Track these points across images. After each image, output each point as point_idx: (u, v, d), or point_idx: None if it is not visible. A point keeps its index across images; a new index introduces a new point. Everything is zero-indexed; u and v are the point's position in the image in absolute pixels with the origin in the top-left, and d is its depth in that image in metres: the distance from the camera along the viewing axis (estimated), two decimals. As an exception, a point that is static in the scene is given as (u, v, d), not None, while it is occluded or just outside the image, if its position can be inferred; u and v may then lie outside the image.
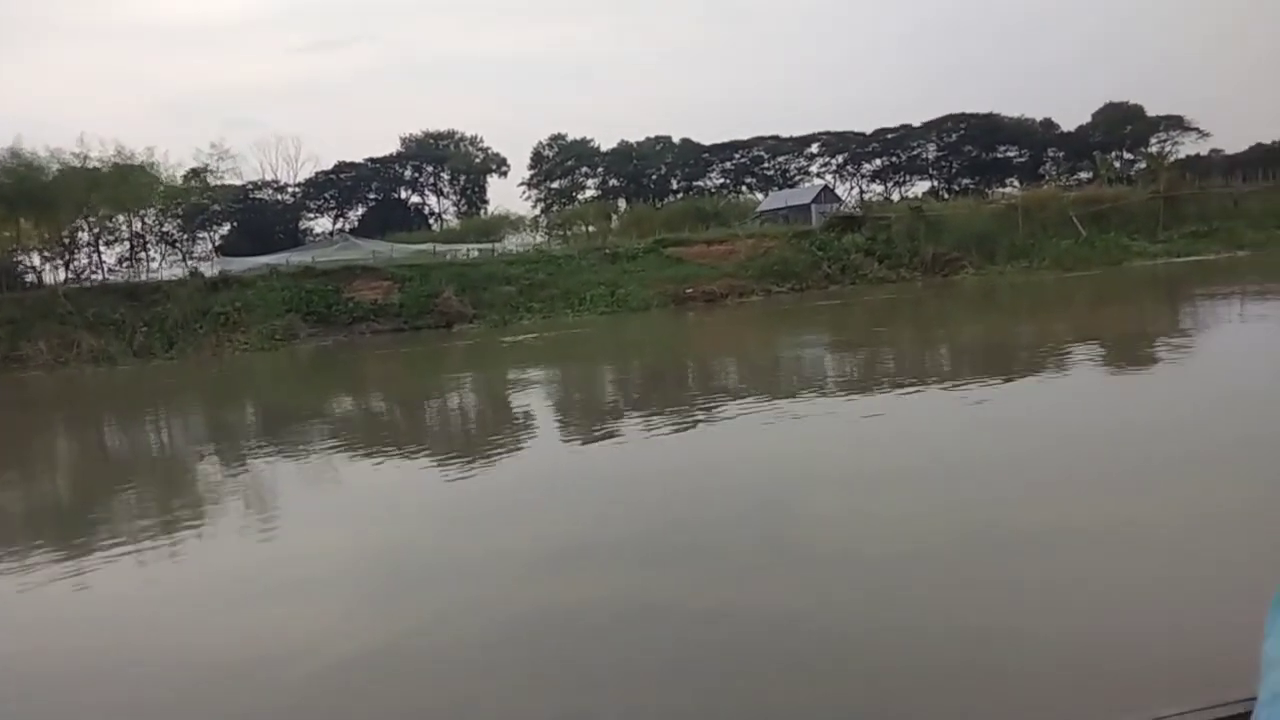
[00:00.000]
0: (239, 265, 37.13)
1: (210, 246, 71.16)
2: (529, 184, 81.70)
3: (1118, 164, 57.69)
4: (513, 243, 52.19)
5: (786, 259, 39.01)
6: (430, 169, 79.58)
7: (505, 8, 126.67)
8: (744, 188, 79.23)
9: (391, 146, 79.23)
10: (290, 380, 20.61)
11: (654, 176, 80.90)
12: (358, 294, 33.36)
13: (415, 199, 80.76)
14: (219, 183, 52.58)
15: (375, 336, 30.91)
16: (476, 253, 41.03)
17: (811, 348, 18.92)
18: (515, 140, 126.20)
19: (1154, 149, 60.18)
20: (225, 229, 71.86)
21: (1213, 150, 63.69)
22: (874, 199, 68.66)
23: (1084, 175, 63.83)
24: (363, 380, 19.67)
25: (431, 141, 79.94)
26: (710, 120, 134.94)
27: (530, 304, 34.38)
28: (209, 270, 35.79)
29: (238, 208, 71.33)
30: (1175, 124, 64.69)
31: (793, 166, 78.81)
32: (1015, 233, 39.96)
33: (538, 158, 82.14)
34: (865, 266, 38.83)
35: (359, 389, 18.03)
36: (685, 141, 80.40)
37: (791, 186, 73.16)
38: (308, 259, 37.38)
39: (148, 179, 47.73)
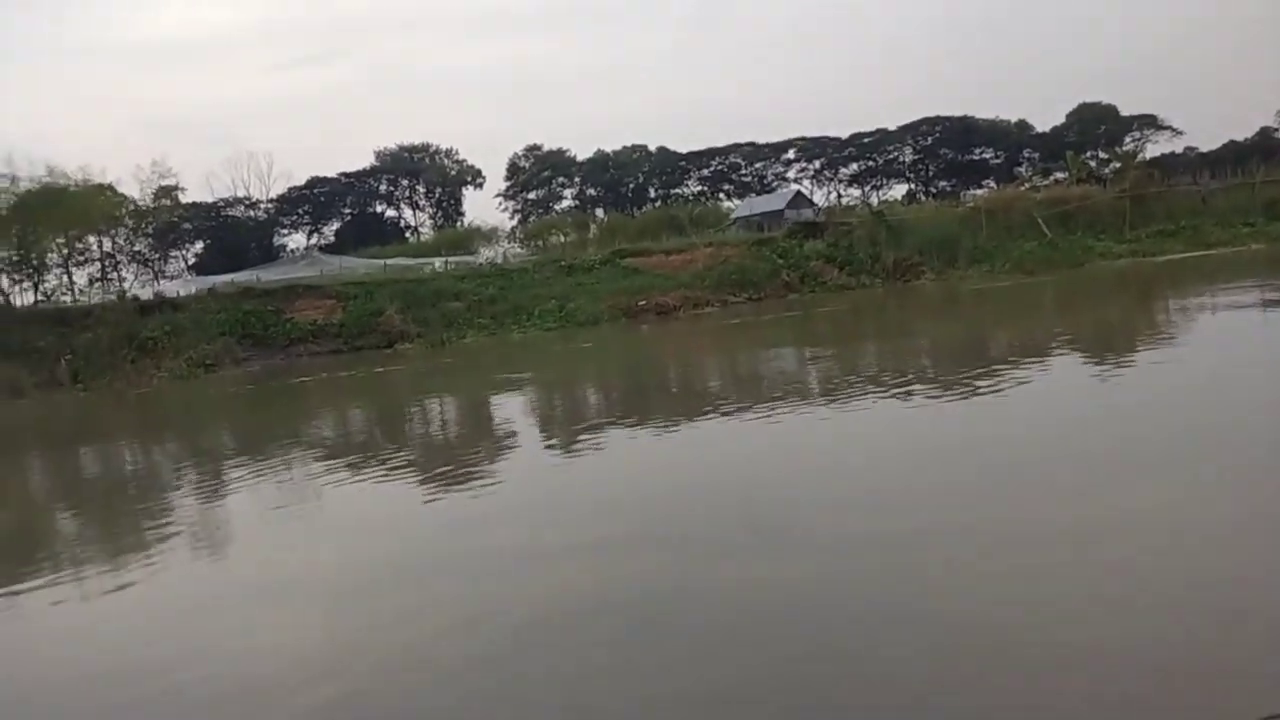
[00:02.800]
0: (180, 287, 36.40)
1: (184, 265, 70.94)
2: (505, 195, 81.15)
3: (1093, 163, 56.99)
4: (486, 255, 51.57)
5: (745, 268, 38.25)
6: (405, 182, 78.95)
7: (481, 22, 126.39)
8: (722, 194, 78.62)
9: (366, 161, 78.75)
10: (155, 420, 19.38)
11: (631, 185, 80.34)
12: (299, 314, 32.58)
13: (391, 213, 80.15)
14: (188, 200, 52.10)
15: (312, 359, 30.08)
16: (446, 266, 40.31)
17: (733, 363, 18.11)
18: (492, 152, 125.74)
19: (1128, 148, 59.44)
20: (199, 247, 71.49)
21: (1187, 148, 63.06)
22: (851, 203, 68.11)
23: (1060, 175, 63.14)
24: (230, 420, 18.76)
25: (406, 155, 79.36)
26: (688, 128, 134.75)
27: (478, 320, 33.59)
28: (148, 292, 34.95)
29: (210, 225, 70.89)
30: (1149, 123, 64.08)
31: (770, 173, 78.20)
32: (979, 236, 39.23)
33: (514, 169, 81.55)
34: (825, 274, 38.08)
35: (205, 436, 16.94)
36: (662, 150, 79.85)
37: (770, 192, 72.57)
38: (253, 278, 36.62)
39: (117, 198, 47.22)
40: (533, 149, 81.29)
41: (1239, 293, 19.48)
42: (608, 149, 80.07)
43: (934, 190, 70.88)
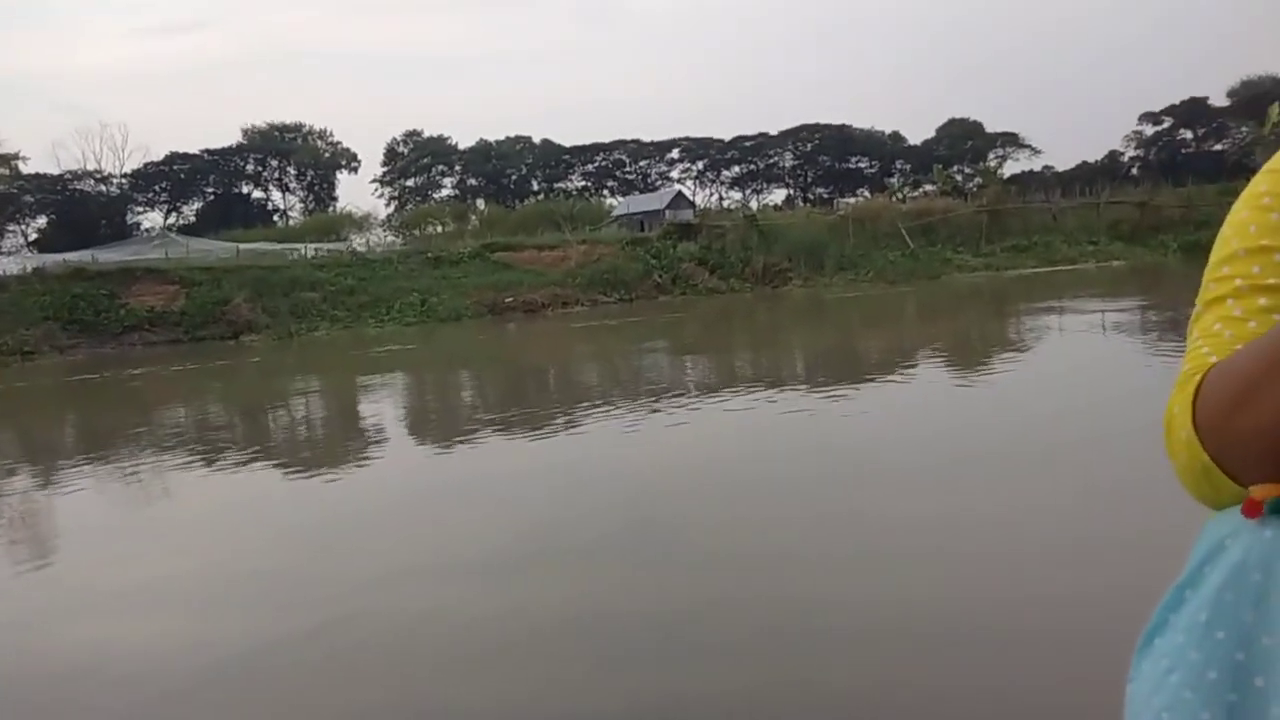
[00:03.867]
0: (10, 264, 33.35)
1: (22, 241, 65.51)
2: (382, 181, 78.42)
3: (959, 177, 59.37)
4: (357, 243, 49.46)
5: (618, 268, 37.87)
6: (275, 163, 75.12)
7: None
8: (606, 191, 78.23)
9: (233, 138, 74.60)
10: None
11: (514, 177, 78.97)
12: (136, 299, 30.25)
13: (258, 194, 76.22)
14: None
15: (147, 349, 27.94)
16: (313, 253, 38.30)
17: (574, 367, 17.63)
18: (370, 136, 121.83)
19: (991, 164, 62.20)
20: (41, 222, 66.19)
21: (1045, 166, 66.56)
22: (732, 206, 68.88)
23: (929, 187, 65.58)
24: None
25: (276, 134, 75.54)
26: (573, 121, 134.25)
27: (333, 312, 32.02)
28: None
29: (55, 199, 65.71)
30: (1011, 141, 67.33)
31: (654, 171, 78.34)
32: (846, 244, 40.09)
33: (392, 154, 78.93)
34: (697, 276, 38.11)
35: None
36: (546, 142, 78.81)
37: (654, 191, 72.61)
38: (88, 258, 33.90)
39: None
40: (412, 134, 78.90)
41: (1082, 306, 20.41)
42: (491, 139, 78.55)
43: (811, 196, 72.43)
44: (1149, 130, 67.24)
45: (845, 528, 5.67)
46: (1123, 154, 67.74)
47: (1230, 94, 61.56)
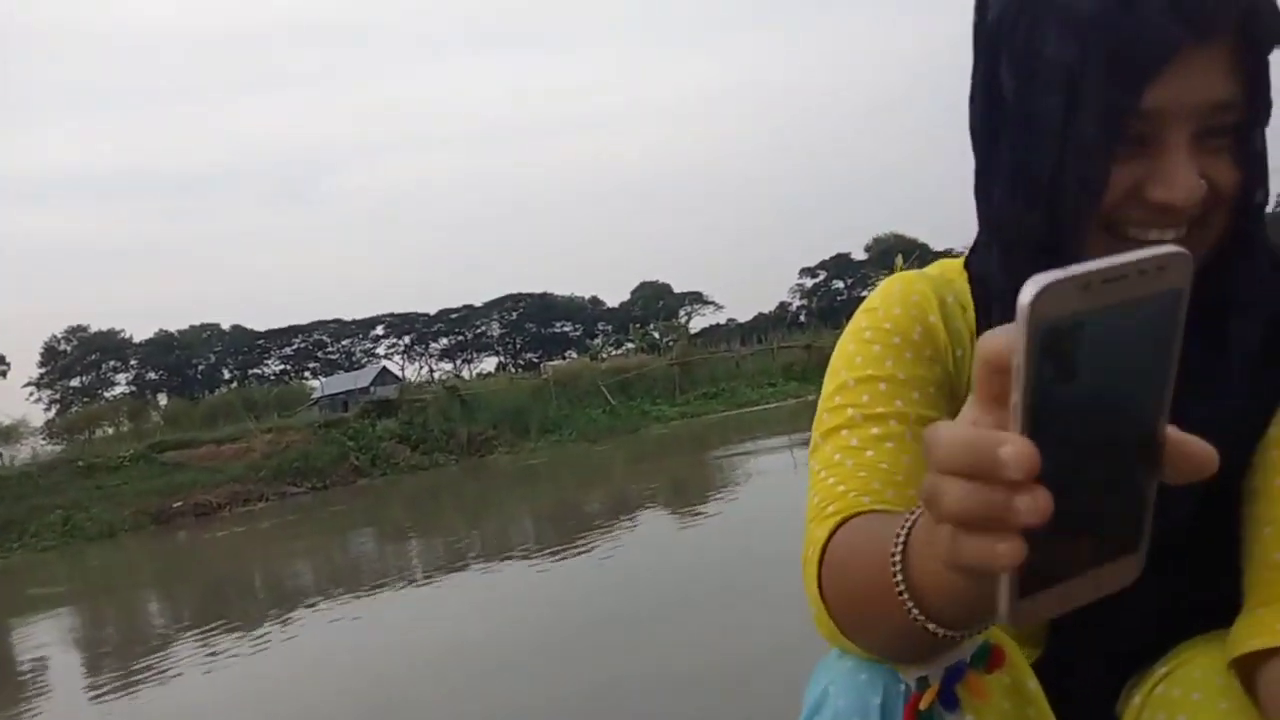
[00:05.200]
0: None
1: None
2: (39, 384, 69.31)
3: (656, 334, 63.17)
4: (6, 455, 42.24)
5: (310, 454, 35.20)
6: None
7: (27, 183, 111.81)
8: (307, 373, 74.49)
9: None
10: None
11: (200, 367, 73.22)
12: None
13: None
14: None
15: None
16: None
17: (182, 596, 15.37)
18: (22, 336, 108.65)
19: (682, 320, 66.96)
20: None
21: (729, 319, 72.94)
22: (445, 378, 67.99)
23: (630, 345, 69.12)
24: None
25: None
26: (269, 305, 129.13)
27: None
28: None
29: None
30: (697, 298, 73.55)
31: (358, 349, 76.16)
32: (550, 406, 40.47)
33: (51, 353, 70.41)
34: (398, 454, 36.31)
35: None
36: (237, 328, 74.39)
37: (360, 369, 70.08)
38: None
39: None
40: (77, 330, 71.21)
41: (769, 444, 21.42)
42: (173, 328, 72.82)
43: (522, 362, 73.62)
44: (809, 282, 76.29)
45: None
46: (790, 304, 76.05)
47: (867, 249, 71.73)
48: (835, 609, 0.73)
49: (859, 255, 73.67)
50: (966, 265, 0.94)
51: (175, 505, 30.03)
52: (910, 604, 0.61)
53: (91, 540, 27.23)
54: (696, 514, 12.94)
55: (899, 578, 0.61)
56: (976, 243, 0.91)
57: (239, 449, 36.07)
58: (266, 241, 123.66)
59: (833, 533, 0.75)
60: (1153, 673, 0.85)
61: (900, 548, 0.61)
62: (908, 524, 0.62)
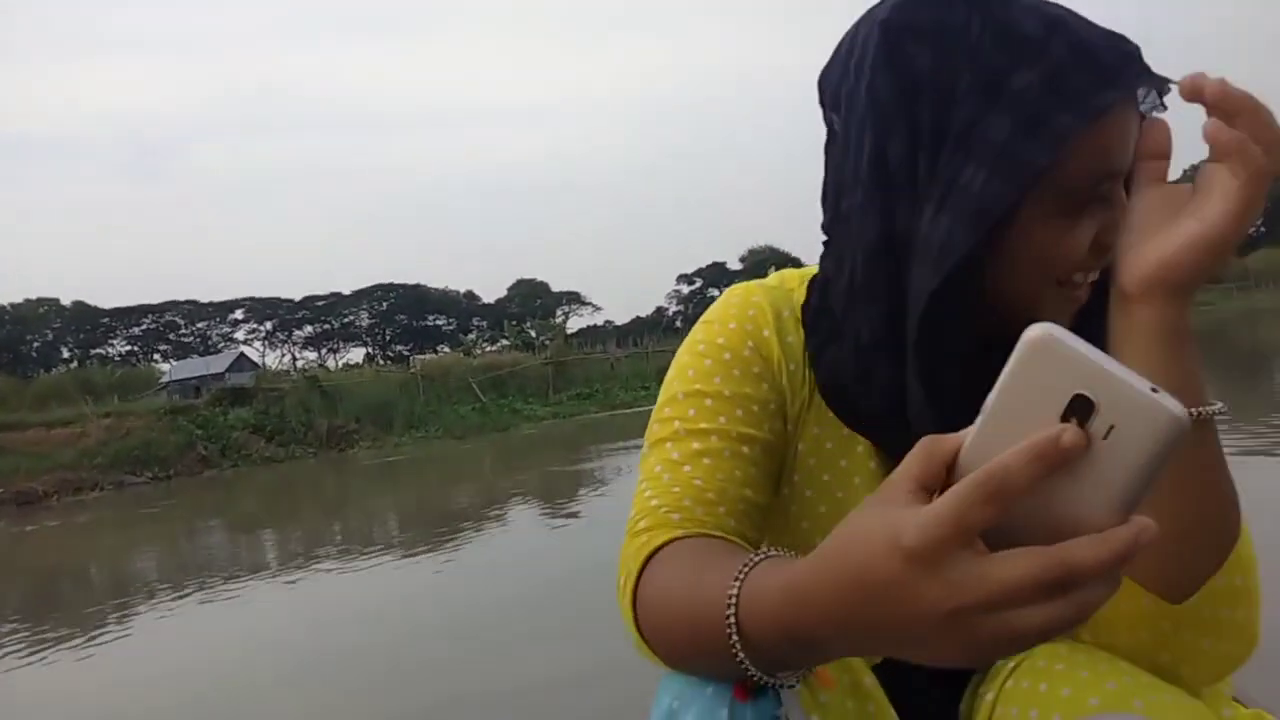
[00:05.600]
0: None
1: None
2: None
3: (532, 332, 62.55)
4: None
5: (152, 441, 32.96)
6: None
7: None
8: (158, 356, 69.97)
9: None
10: None
11: (36, 344, 67.58)
12: None
13: None
14: None
15: None
16: None
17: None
18: None
19: (559, 319, 66.59)
20: None
21: (606, 321, 73.13)
22: (307, 367, 65.25)
23: (505, 342, 68.22)
24: None
25: None
26: (118, 282, 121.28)
27: None
28: None
29: None
30: (574, 299, 73.30)
31: (215, 333, 72.09)
32: (417, 401, 39.35)
33: None
34: (251, 445, 34.46)
35: None
36: (78, 304, 69.06)
37: (216, 354, 66.31)
38: None
39: None
40: (-112, 297, 64.55)
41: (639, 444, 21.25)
42: (4, 301, 66.98)
43: (391, 354, 71.45)
44: (685, 289, 77.30)
45: None
46: (667, 309, 76.82)
47: (741, 259, 73.26)
48: (655, 644, 0.72)
49: (735, 265, 75.26)
50: (811, 283, 0.91)
51: (-7, 493, 27.45)
52: (746, 661, 0.62)
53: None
54: (562, 515, 12.60)
55: (734, 638, 0.61)
56: (824, 266, 0.88)
57: (71, 434, 33.34)
58: (116, 215, 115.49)
59: (644, 565, 0.74)
60: (1001, 667, 0.83)
61: (733, 607, 0.61)
62: (739, 579, 0.62)
